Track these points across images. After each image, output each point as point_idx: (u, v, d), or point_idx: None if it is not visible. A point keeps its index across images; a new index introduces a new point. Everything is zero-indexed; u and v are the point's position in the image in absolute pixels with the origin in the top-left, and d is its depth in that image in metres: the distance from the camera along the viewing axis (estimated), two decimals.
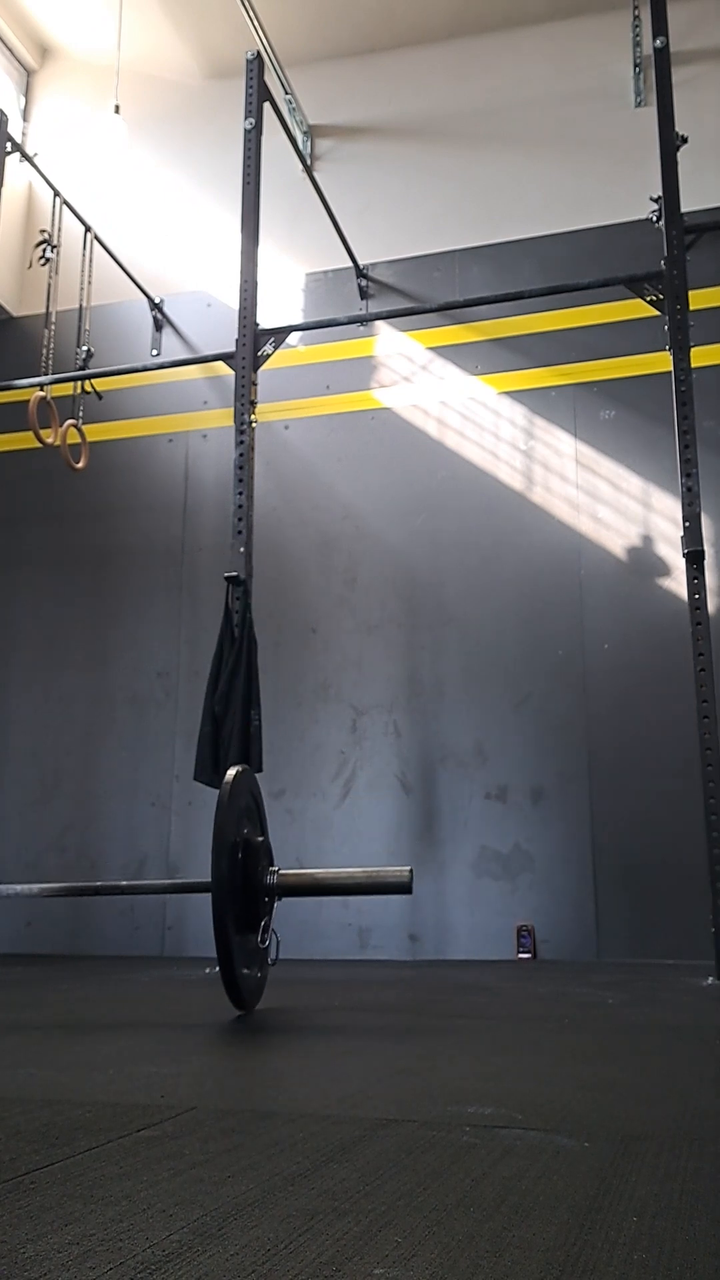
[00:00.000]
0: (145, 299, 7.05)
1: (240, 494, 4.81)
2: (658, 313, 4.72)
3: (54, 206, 6.25)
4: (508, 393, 6.26)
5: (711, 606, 4.95)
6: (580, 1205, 1.19)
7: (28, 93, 8.00)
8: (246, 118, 5.20)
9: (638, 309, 5.19)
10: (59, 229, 6.19)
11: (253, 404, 4.96)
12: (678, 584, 5.45)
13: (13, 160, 5.84)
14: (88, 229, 6.53)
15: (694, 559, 4.30)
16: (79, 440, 6.16)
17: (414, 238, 6.75)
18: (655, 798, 5.42)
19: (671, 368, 4.54)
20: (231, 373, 5.17)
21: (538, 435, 6.15)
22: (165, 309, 7.15)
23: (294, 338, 6.23)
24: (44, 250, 5.98)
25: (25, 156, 5.94)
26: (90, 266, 6.48)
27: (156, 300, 7.10)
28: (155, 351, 7.06)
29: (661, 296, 4.66)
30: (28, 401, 5.86)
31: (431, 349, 6.47)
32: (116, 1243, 1.05)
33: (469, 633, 5.98)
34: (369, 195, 6.95)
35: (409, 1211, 1.17)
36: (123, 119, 6.96)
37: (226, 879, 2.85)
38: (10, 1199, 1.21)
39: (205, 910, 2.89)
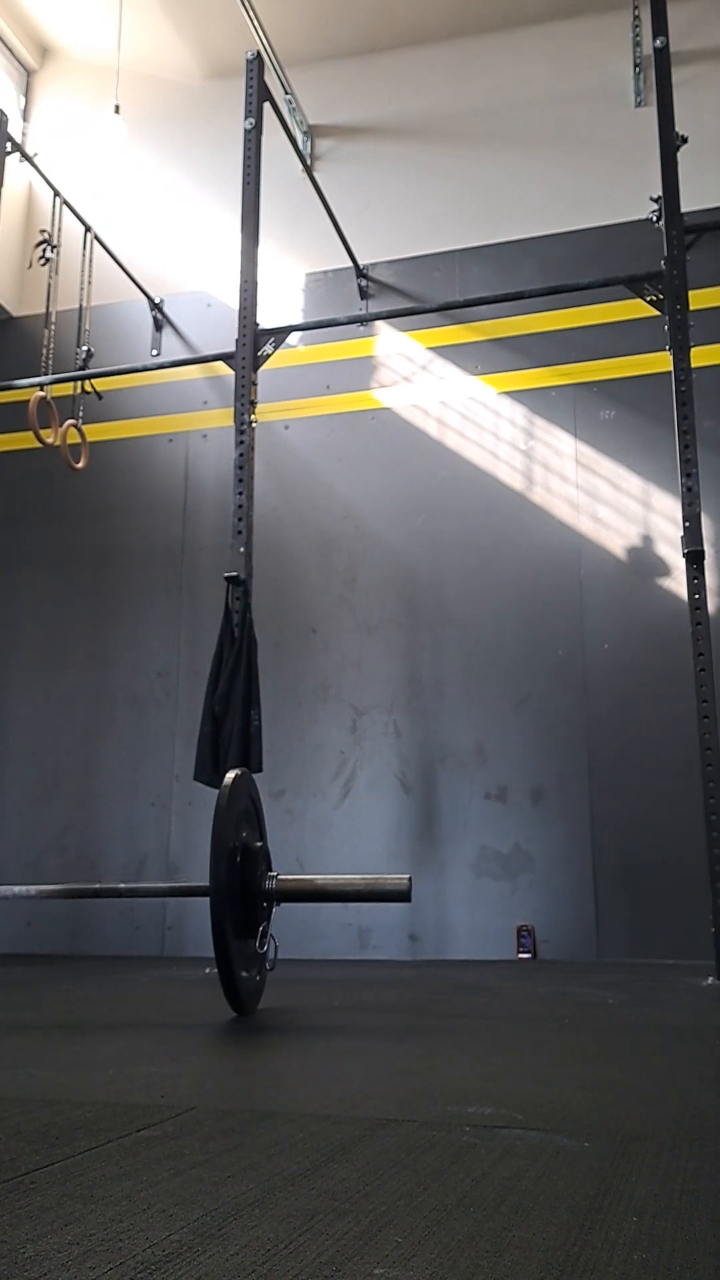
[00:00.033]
0: (145, 299, 7.05)
1: (240, 494, 4.81)
2: (658, 313, 4.72)
3: (54, 206, 6.25)
4: (508, 393, 6.26)
5: (711, 606, 4.95)
6: (580, 1205, 1.19)
7: (28, 93, 8.00)
8: (246, 118, 5.20)
9: (638, 309, 5.19)
10: (59, 229, 6.19)
11: (253, 404, 4.96)
12: (678, 584, 5.45)
13: (13, 160, 5.84)
14: (88, 229, 6.53)
15: (694, 559, 4.31)
16: (79, 440, 6.16)
17: (414, 238, 6.74)
18: (655, 798, 5.42)
19: (671, 368, 4.55)
20: (231, 373, 5.17)
21: (538, 435, 6.15)
22: (165, 309, 7.15)
23: (294, 338, 6.23)
24: (44, 250, 5.98)
25: (25, 156, 5.94)
26: (90, 266, 6.48)
27: (156, 300, 7.10)
28: (155, 351, 7.06)
29: (661, 296, 4.66)
30: (28, 401, 5.86)
31: (431, 349, 6.47)
32: (116, 1243, 1.05)
33: (469, 633, 5.98)
34: (369, 195, 6.95)
35: (409, 1211, 1.17)
36: (123, 119, 6.96)
37: (225, 884, 2.85)
38: (10, 1199, 1.21)
39: (205, 911, 2.89)
